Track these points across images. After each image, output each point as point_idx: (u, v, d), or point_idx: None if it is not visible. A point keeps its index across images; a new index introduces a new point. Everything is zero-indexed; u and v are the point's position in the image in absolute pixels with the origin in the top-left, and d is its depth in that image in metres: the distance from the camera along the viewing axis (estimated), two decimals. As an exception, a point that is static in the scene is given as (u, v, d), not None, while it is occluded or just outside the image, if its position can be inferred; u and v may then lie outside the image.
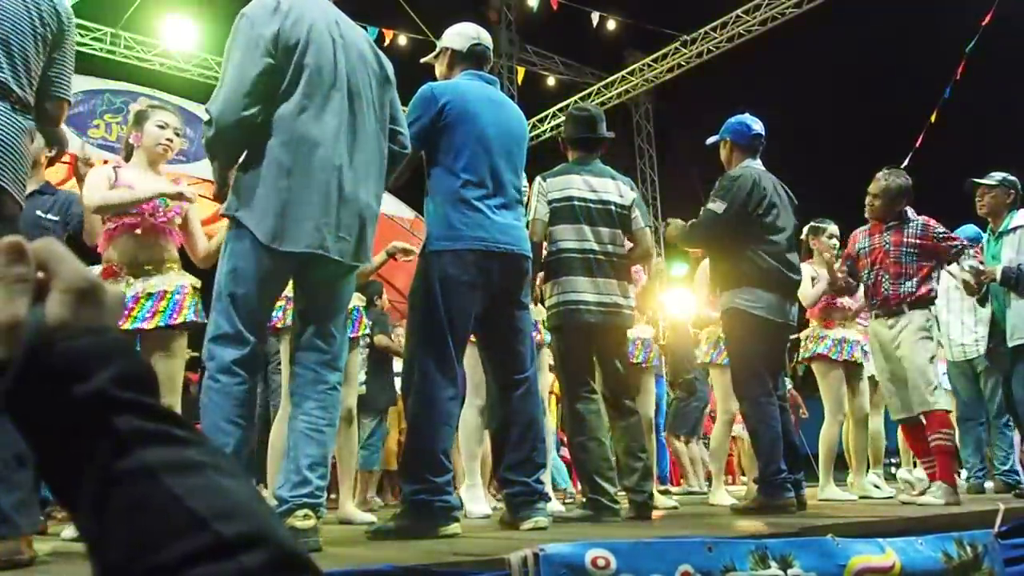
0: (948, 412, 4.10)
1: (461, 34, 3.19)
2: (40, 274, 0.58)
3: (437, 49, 3.26)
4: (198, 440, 0.59)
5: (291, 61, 2.37)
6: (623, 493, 3.57)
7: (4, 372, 0.55)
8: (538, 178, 3.62)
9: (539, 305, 4.11)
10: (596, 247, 3.54)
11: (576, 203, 3.55)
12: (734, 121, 4.07)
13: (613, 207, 3.63)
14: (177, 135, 3.41)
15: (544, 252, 3.60)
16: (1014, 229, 4.57)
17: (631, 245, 3.72)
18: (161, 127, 3.37)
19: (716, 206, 3.80)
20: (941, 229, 4.31)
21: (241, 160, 2.42)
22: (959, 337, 5.50)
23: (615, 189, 3.67)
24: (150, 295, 3.22)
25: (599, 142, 3.75)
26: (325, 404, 2.44)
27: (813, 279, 5.03)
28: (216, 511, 0.53)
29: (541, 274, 3.71)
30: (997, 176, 4.71)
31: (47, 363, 0.56)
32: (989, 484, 5.48)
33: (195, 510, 0.53)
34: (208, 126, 2.35)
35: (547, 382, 4.29)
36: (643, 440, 3.60)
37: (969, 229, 5.54)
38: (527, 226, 3.42)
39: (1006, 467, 5.29)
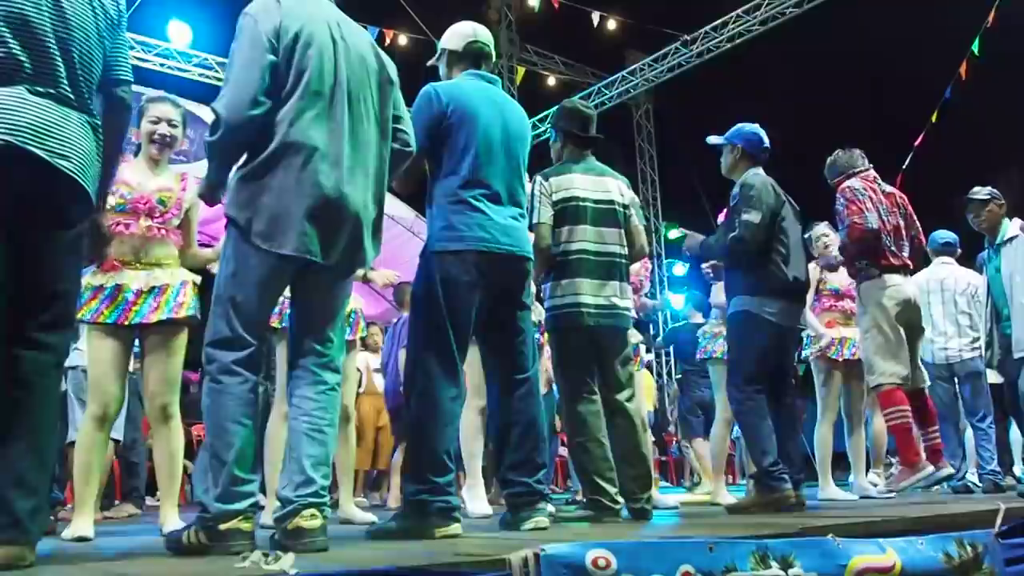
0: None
1: (457, 34, 3.19)
2: None
3: (437, 51, 3.26)
4: None
5: (291, 61, 2.35)
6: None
7: None
8: (538, 177, 3.56)
9: (540, 305, 4.10)
10: (599, 248, 3.52)
11: (580, 203, 3.52)
12: (747, 130, 4.06)
13: (616, 206, 3.61)
14: (174, 127, 3.38)
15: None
16: (1010, 240, 4.62)
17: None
18: (154, 122, 3.36)
19: (752, 216, 3.77)
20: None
21: (240, 162, 2.40)
22: (943, 341, 5.50)
23: (616, 188, 3.65)
24: (152, 288, 3.23)
25: (593, 140, 3.74)
26: (325, 404, 2.43)
27: (820, 281, 5.10)
28: None
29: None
30: (984, 191, 4.78)
31: None
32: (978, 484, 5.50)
33: None
34: (215, 126, 2.31)
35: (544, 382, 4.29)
36: (640, 444, 3.55)
37: (940, 235, 5.62)
38: (532, 231, 3.40)
39: (991, 466, 5.33)
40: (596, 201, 3.56)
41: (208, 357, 2.34)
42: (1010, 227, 4.66)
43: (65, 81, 2.11)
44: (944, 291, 5.55)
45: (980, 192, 4.77)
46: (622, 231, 3.62)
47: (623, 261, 3.61)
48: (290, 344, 2.53)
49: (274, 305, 2.50)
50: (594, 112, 3.84)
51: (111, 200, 3.21)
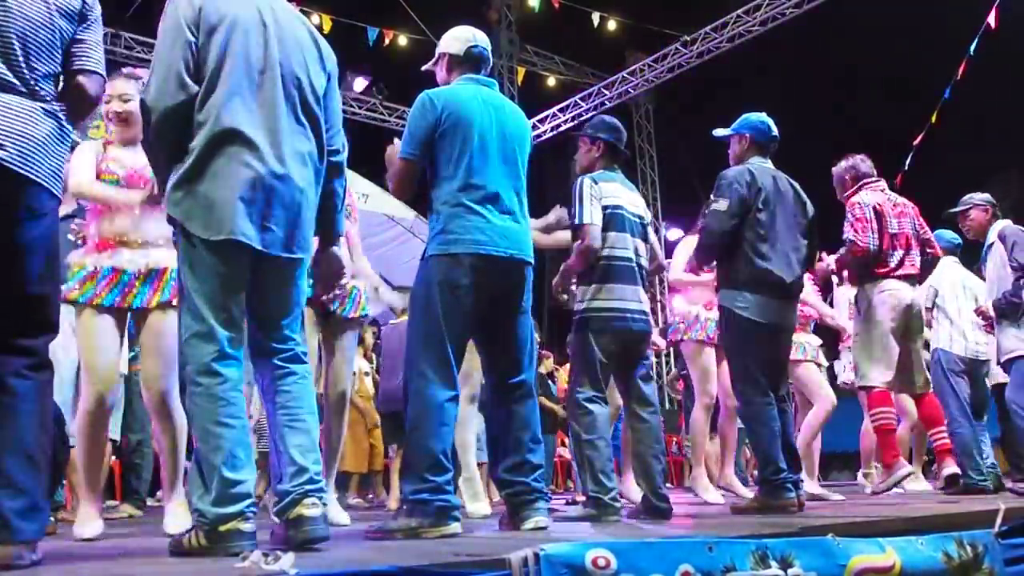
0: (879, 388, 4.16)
1: (457, 38, 3.19)
2: None
3: (435, 55, 3.26)
4: None
5: (213, 48, 2.33)
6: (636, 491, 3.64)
7: None
8: (587, 179, 3.63)
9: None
10: (637, 259, 3.66)
11: (625, 213, 3.64)
12: (755, 119, 4.05)
13: (644, 221, 3.77)
14: (126, 101, 3.26)
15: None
16: (991, 245, 4.65)
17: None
18: (107, 101, 3.26)
19: (719, 205, 3.80)
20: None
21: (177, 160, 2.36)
22: (971, 335, 5.46)
23: (641, 203, 3.82)
24: (151, 271, 3.16)
25: (623, 154, 3.88)
26: (299, 393, 2.41)
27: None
28: None
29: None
30: (964, 202, 4.89)
31: None
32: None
33: None
34: (145, 117, 2.33)
35: None
36: (662, 442, 3.70)
37: (945, 234, 5.62)
38: (579, 230, 3.52)
39: (987, 463, 5.32)
40: (633, 214, 3.69)
41: (184, 359, 2.30)
42: (991, 232, 4.69)
43: (5, 68, 2.07)
44: (966, 288, 5.54)
45: (962, 204, 4.88)
46: (645, 245, 3.76)
47: (645, 272, 3.76)
48: (249, 342, 2.48)
49: (240, 299, 2.40)
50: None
51: (104, 177, 3.19)
